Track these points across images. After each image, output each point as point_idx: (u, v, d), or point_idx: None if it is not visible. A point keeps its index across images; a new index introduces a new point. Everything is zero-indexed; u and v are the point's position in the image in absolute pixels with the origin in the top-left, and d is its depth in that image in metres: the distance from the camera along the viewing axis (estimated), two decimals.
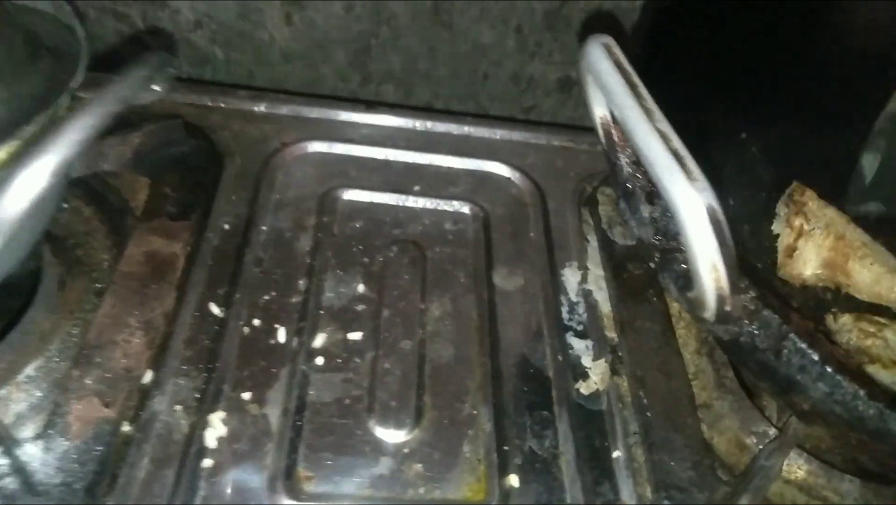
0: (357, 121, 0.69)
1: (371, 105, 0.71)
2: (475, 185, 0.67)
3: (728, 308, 0.31)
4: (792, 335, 0.32)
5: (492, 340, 0.55)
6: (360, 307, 0.56)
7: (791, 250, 0.59)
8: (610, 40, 0.37)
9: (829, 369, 0.31)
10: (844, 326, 0.55)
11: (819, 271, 0.58)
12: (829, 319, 0.56)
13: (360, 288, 0.57)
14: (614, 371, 0.55)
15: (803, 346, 0.32)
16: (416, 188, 0.65)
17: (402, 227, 0.62)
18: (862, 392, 0.30)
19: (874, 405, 0.30)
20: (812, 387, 0.32)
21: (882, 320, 0.55)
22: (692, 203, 0.32)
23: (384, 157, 0.67)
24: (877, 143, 0.56)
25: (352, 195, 0.63)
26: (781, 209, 0.61)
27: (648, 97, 0.35)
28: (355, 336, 0.54)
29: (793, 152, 0.63)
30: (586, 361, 0.55)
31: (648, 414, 0.51)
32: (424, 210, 0.64)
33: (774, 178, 0.62)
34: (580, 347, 0.56)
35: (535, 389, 0.53)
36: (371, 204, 0.63)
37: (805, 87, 0.61)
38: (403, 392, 0.51)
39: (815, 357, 0.31)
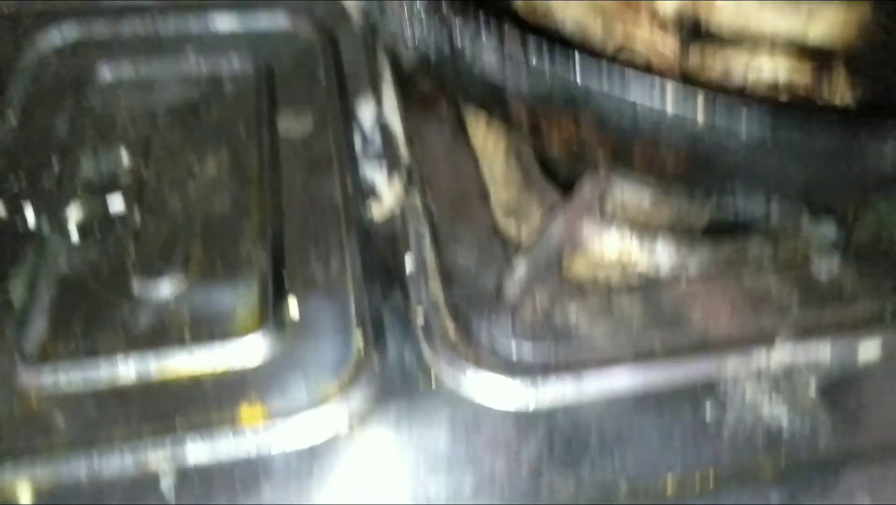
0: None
1: None
2: (258, 39, 0.61)
3: None
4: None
5: (273, 185, 0.51)
6: (124, 177, 0.51)
7: None
8: None
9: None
10: (693, 64, 0.51)
11: (680, 3, 0.54)
12: (684, 58, 0.52)
13: (125, 159, 0.52)
14: (407, 188, 0.50)
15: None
16: (191, 50, 0.60)
17: (173, 93, 0.57)
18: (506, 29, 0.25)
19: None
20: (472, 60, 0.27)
21: (730, 51, 0.51)
22: None
23: (153, 25, 0.61)
24: None
25: (115, 69, 0.58)
26: None
27: None
28: (117, 205, 0.49)
29: None
30: (380, 184, 0.51)
31: (437, 219, 0.47)
32: (200, 72, 0.58)
33: None
34: (373, 173, 0.52)
35: (321, 221, 0.49)
36: (138, 75, 0.58)
37: None
38: (170, 248, 0.46)
39: None
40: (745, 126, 0.27)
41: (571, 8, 0.52)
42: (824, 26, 0.53)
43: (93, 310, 0.43)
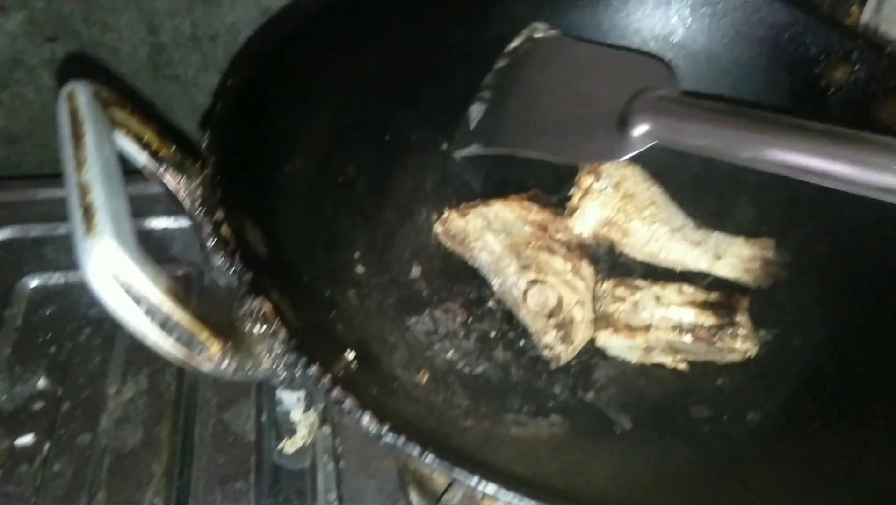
0: (61, 196, 0.64)
1: None
2: (191, 243, 0.62)
3: (196, 364, 0.28)
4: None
5: (187, 414, 0.51)
6: (37, 405, 0.51)
7: (573, 211, 0.57)
8: (78, 87, 0.33)
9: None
10: (605, 293, 0.53)
11: (598, 230, 0.56)
12: (596, 286, 0.54)
13: (41, 383, 0.52)
14: (323, 420, 0.51)
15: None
16: None
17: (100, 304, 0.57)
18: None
19: None
20: None
21: (640, 284, 0.53)
22: (87, 261, 0.28)
23: None
24: (482, 94, 0.57)
25: (43, 279, 0.58)
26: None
27: (90, 145, 0.31)
28: (25, 440, 0.49)
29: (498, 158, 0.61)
30: (296, 414, 0.51)
31: (342, 464, 0.47)
32: None
33: (484, 184, 0.60)
34: (291, 401, 0.52)
35: (231, 460, 0.49)
36: (66, 285, 0.58)
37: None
38: (72, 495, 0.46)
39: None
40: None
41: (489, 240, 0.54)
42: (731, 262, 0.55)
43: None
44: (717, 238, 0.56)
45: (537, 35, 0.57)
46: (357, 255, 0.51)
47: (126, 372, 0.53)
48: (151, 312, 0.28)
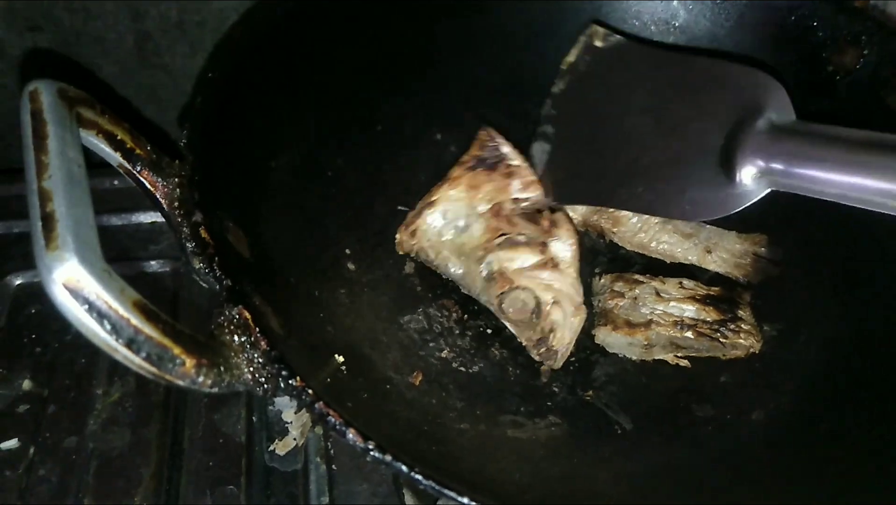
0: None
1: None
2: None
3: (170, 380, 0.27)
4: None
5: (176, 415, 0.50)
6: (22, 408, 0.49)
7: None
8: (41, 85, 0.31)
9: None
10: (604, 287, 0.52)
11: (588, 217, 0.55)
12: (594, 280, 0.53)
13: (26, 384, 0.51)
14: (315, 421, 0.49)
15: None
16: (110, 254, 0.59)
17: None
18: None
19: None
20: None
21: (641, 278, 0.51)
22: (47, 278, 0.26)
23: None
24: (543, 129, 0.50)
25: (28, 277, 0.57)
26: None
27: (53, 149, 0.29)
28: (9, 445, 0.47)
29: None
30: (288, 415, 0.50)
31: (335, 466, 0.46)
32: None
33: None
34: (283, 401, 0.51)
35: (221, 462, 0.48)
36: None
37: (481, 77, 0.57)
38: (58, 501, 0.45)
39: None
40: None
41: (447, 256, 0.51)
42: (722, 257, 0.53)
43: None
44: (708, 231, 0.54)
45: (597, 43, 0.48)
46: (347, 251, 0.49)
47: (113, 372, 0.52)
48: (117, 329, 0.26)
